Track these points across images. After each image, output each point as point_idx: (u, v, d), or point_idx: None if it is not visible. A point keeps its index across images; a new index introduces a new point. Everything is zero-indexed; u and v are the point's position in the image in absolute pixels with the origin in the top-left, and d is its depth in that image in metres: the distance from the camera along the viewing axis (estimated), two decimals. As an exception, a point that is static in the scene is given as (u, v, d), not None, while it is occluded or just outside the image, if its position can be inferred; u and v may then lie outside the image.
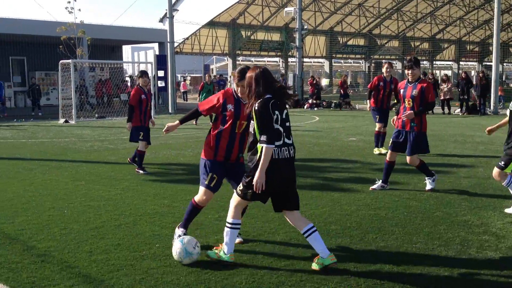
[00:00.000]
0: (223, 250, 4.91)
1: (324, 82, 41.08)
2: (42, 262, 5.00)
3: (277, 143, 4.69)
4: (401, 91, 8.09)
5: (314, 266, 4.78)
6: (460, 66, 61.52)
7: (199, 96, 20.79)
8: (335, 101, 32.05)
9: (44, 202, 7.46)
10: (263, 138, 4.62)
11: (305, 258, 5.10)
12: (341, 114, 26.60)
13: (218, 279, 4.59)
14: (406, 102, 7.92)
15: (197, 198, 5.47)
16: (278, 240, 5.69)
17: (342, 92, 31.23)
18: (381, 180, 8.17)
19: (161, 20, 32.27)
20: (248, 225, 6.22)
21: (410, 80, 7.97)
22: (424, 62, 62.06)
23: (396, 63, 58.71)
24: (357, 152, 12.43)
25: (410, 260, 5.03)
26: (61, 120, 22.55)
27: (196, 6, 38.64)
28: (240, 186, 4.89)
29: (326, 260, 4.71)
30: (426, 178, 8.13)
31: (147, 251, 5.34)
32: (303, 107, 31.78)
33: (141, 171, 9.88)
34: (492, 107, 25.92)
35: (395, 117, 8.20)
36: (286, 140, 4.78)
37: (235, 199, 4.98)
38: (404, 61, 8.75)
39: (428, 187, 8.05)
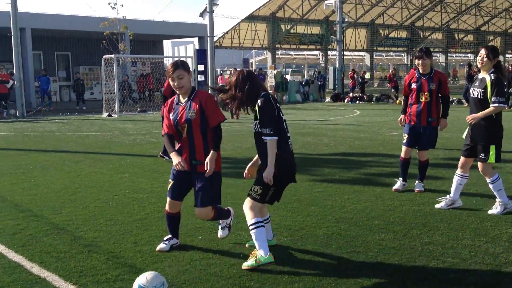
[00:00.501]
0: (260, 254, 4.62)
1: (366, 75, 40.58)
2: (89, 252, 5.13)
3: (288, 134, 4.83)
4: (413, 84, 7.50)
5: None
6: (506, 59, 59.73)
7: None
8: (376, 95, 31.63)
9: (90, 194, 7.64)
10: (268, 131, 4.65)
11: (348, 252, 5.06)
12: (383, 108, 26.24)
13: (260, 272, 4.60)
14: (422, 96, 7.39)
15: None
16: (320, 234, 5.67)
17: (393, 84, 30.87)
18: (401, 179, 7.68)
19: (201, 15, 32.48)
20: (290, 219, 6.22)
21: (421, 71, 7.44)
22: (469, 55, 60.53)
23: (439, 56, 57.47)
24: (399, 147, 12.18)
25: (456, 256, 4.93)
26: (105, 114, 23.03)
27: (236, 0, 38.77)
28: (256, 189, 4.79)
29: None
30: (417, 180, 7.67)
31: (189, 242, 5.41)
32: (344, 101, 31.49)
33: (166, 157, 10.36)
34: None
35: (402, 116, 7.67)
36: (289, 133, 4.92)
37: (249, 203, 4.84)
38: (414, 52, 8.24)
39: (419, 188, 7.59)
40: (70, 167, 9.93)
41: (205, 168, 4.81)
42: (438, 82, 7.40)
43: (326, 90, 35.69)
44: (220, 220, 5.37)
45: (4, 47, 26.33)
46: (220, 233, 5.40)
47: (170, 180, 5.11)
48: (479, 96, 6.24)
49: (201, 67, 29.94)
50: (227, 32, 43.73)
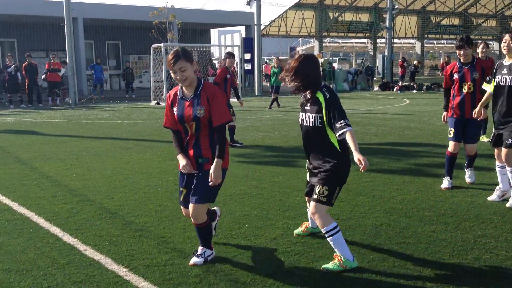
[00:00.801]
0: (345, 259, 4.38)
1: (415, 63, 39.67)
2: (140, 236, 5.25)
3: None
4: (455, 75, 7.13)
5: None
6: None
7: (269, 81, 21.12)
8: (426, 84, 30.89)
9: (140, 180, 7.81)
10: (345, 122, 4.30)
11: (398, 243, 4.99)
12: (433, 97, 25.61)
13: (308, 261, 4.60)
14: (465, 87, 7.03)
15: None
16: (369, 224, 5.61)
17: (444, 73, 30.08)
18: (448, 177, 7.25)
19: (248, 3, 32.49)
20: (338, 209, 6.17)
21: (462, 61, 7.07)
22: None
23: (493, 44, 55.53)
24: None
25: (511, 250, 4.78)
26: (153, 102, 23.43)
27: (283, -12, 38.46)
28: (322, 191, 4.43)
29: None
30: (468, 169, 7.51)
31: (237, 230, 5.45)
32: (392, 90, 30.92)
33: (238, 145, 10.91)
34: None
35: (445, 114, 7.36)
36: None
37: (316, 209, 4.45)
38: (455, 42, 7.56)
39: (472, 179, 7.45)
40: (120, 154, 10.17)
41: (210, 180, 4.34)
42: (481, 70, 7.03)
43: (374, 79, 35.11)
44: (200, 247, 4.61)
45: (57, 36, 27.09)
46: (193, 260, 4.53)
47: (180, 188, 4.64)
48: None
49: (247, 56, 30.03)
50: (274, 20, 43.55)
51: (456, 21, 52.49)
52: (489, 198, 6.47)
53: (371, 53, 49.27)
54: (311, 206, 4.50)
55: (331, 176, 4.42)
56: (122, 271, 4.41)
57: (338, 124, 4.31)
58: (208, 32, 40.13)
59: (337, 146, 4.42)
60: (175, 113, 4.49)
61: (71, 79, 23.75)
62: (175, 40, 27.88)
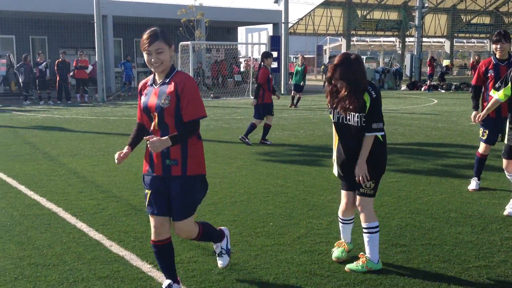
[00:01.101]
0: (370, 260, 4.35)
1: (445, 63, 39.05)
2: (164, 233, 5.29)
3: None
4: (490, 71, 6.76)
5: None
6: None
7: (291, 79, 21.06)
8: (455, 83, 30.40)
9: (165, 177, 7.87)
10: (380, 125, 4.23)
11: (422, 244, 4.93)
12: (462, 97, 25.21)
13: (331, 260, 4.58)
14: None
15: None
16: (393, 225, 5.55)
17: (473, 73, 29.55)
18: (476, 178, 7.03)
19: (276, 1, 32.46)
20: (362, 209, 6.12)
21: (498, 56, 6.71)
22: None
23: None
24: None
25: (539, 255, 4.68)
26: (180, 100, 23.59)
27: (311, -14, 38.36)
28: (369, 185, 4.33)
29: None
30: (475, 177, 7.06)
31: (261, 228, 5.46)
32: (420, 89, 30.53)
33: (267, 142, 11.05)
34: None
35: (475, 113, 6.83)
36: None
37: (365, 201, 4.38)
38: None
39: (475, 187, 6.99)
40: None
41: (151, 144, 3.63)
42: None
43: (403, 78, 34.71)
44: (214, 245, 4.28)
45: (86, 33, 27.50)
46: (219, 262, 4.27)
47: (145, 190, 3.89)
48: None
49: (274, 54, 29.99)
50: (301, 19, 43.38)
51: (487, 19, 51.49)
52: (506, 213, 5.87)
53: (399, 52, 48.72)
54: (358, 200, 4.40)
55: (376, 168, 4.34)
56: (146, 267, 4.47)
57: (374, 125, 4.22)
58: (236, 30, 40.23)
59: (380, 137, 4.32)
60: (142, 101, 3.83)
61: (100, 76, 24.08)
62: (202, 38, 28.04)
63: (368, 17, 45.87)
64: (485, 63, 6.96)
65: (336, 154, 4.57)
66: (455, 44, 55.47)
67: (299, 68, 20.75)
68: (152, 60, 3.65)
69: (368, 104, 4.21)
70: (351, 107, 4.21)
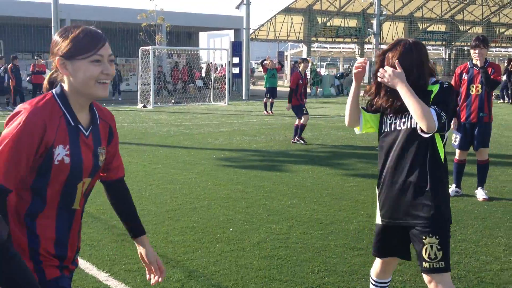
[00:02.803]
0: None
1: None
2: (122, 241, 5.22)
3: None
4: (464, 75, 6.80)
5: None
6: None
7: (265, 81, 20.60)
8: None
9: (124, 184, 7.75)
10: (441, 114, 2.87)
11: (379, 248, 5.01)
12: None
13: (290, 265, 4.61)
14: (473, 88, 6.74)
15: None
16: (351, 229, 5.63)
17: None
18: (454, 185, 7.02)
19: (238, 7, 32.56)
20: (321, 213, 6.20)
21: (474, 61, 6.78)
22: (510, 50, 58.91)
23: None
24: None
25: (490, 255, 4.83)
26: (140, 105, 23.34)
27: (272, -7, 38.62)
28: (437, 254, 2.86)
29: None
30: (478, 187, 6.98)
31: (221, 234, 5.45)
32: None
33: (301, 141, 11.71)
34: None
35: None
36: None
37: (448, 278, 2.94)
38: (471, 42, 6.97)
39: (482, 195, 6.86)
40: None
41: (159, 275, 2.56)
42: (491, 73, 6.73)
43: (361, 84, 35.31)
44: None
45: (44, 38, 26.93)
46: None
47: None
48: None
49: (236, 60, 30.06)
50: (263, 25, 43.62)
51: (442, 27, 52.94)
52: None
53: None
54: (428, 283, 2.94)
55: (441, 220, 2.92)
56: (102, 276, 4.39)
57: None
58: (197, 35, 40.14)
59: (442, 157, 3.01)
60: (64, 158, 2.09)
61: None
62: (163, 43, 27.85)
63: (328, 24, 46.51)
64: (460, 68, 7.06)
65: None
66: (412, 51, 56.68)
67: (273, 71, 20.37)
68: (106, 72, 2.18)
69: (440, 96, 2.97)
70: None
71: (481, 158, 6.96)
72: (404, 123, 2.97)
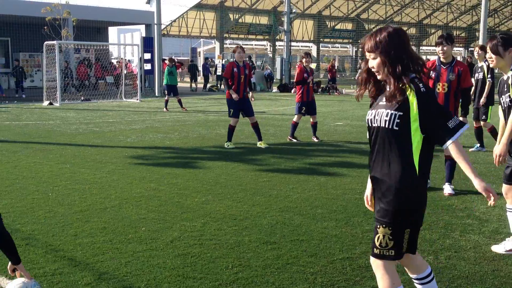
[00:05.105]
0: None
1: (312, 65, 40.95)
2: (27, 245, 4.96)
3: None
4: (431, 73, 6.77)
5: None
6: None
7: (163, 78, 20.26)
8: (322, 86, 32.00)
9: (28, 185, 7.38)
10: (455, 121, 2.95)
11: (292, 241, 5.12)
12: (328, 98, 26.60)
13: (204, 262, 4.59)
14: (439, 87, 6.79)
15: None
16: (265, 223, 5.70)
17: (330, 76, 31.22)
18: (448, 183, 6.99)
19: (148, 2, 31.90)
20: (235, 209, 6.22)
21: (442, 60, 6.80)
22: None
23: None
24: (343, 137, 12.49)
25: (395, 244, 5.07)
26: (45, 102, 22.29)
27: (183, -12, 38.24)
28: (383, 236, 3.03)
29: None
30: (446, 182, 7.05)
31: (133, 234, 5.32)
32: (291, 92, 31.72)
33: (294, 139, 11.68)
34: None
35: None
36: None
37: (381, 265, 3.09)
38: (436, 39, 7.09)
39: (449, 191, 6.94)
40: (7, 158, 9.56)
41: None
42: (458, 73, 6.76)
43: (274, 80, 35.85)
44: None
45: None
46: None
47: None
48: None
49: (147, 56, 29.45)
50: (174, 20, 43.13)
51: (349, 26, 54.98)
52: (494, 248, 4.94)
53: (271, 55, 50.29)
54: (376, 268, 3.15)
55: (398, 212, 3.01)
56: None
57: (449, 124, 2.94)
58: (106, 30, 38.90)
59: (416, 166, 3.01)
60: None
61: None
62: (69, 38, 26.75)
63: (240, 20, 46.84)
64: (428, 65, 6.94)
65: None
66: (321, 48, 58.46)
67: (172, 69, 20.12)
68: None
69: (424, 100, 2.97)
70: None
71: (448, 153, 7.04)
72: (377, 120, 3.06)
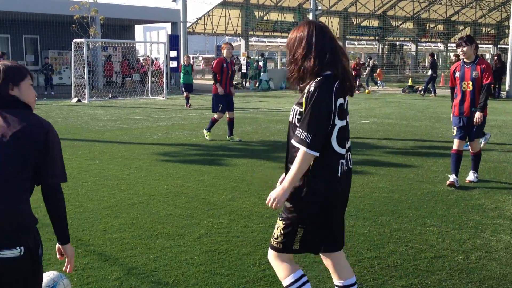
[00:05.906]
0: None
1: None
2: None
3: (341, 151, 2.99)
4: (456, 73, 7.30)
5: None
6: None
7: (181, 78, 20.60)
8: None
9: (59, 181, 7.49)
10: (305, 136, 2.87)
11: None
12: (355, 96, 26.38)
13: (232, 259, 4.61)
14: (465, 85, 7.18)
15: None
16: (291, 221, 5.69)
17: (354, 74, 30.95)
18: (453, 175, 7.31)
19: (174, 0, 32.14)
20: (262, 206, 6.22)
21: (465, 60, 7.22)
22: (439, 45, 61.37)
23: (410, 45, 58.12)
24: (370, 135, 12.38)
25: (424, 243, 5.01)
26: (74, 99, 22.64)
27: (209, -14, 38.38)
28: (274, 234, 3.14)
29: None
30: (471, 170, 7.55)
31: (161, 230, 5.37)
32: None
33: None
34: (507, 90, 25.59)
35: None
36: (347, 144, 3.09)
37: (272, 255, 3.21)
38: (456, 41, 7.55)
39: (471, 178, 7.50)
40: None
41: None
42: (481, 70, 7.11)
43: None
44: None
45: None
46: None
47: None
48: None
49: (173, 53, 29.67)
50: (200, 18, 43.26)
51: (375, 23, 54.41)
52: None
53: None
54: (269, 256, 3.28)
55: (292, 208, 3.06)
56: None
57: (298, 132, 2.94)
58: (133, 28, 39.29)
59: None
60: None
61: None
62: (97, 36, 27.10)
63: (265, 18, 46.76)
64: (454, 66, 7.49)
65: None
66: (347, 45, 58.06)
67: (188, 68, 20.34)
68: None
69: (304, 99, 2.97)
70: None
71: (474, 150, 7.47)
72: (290, 115, 3.13)
